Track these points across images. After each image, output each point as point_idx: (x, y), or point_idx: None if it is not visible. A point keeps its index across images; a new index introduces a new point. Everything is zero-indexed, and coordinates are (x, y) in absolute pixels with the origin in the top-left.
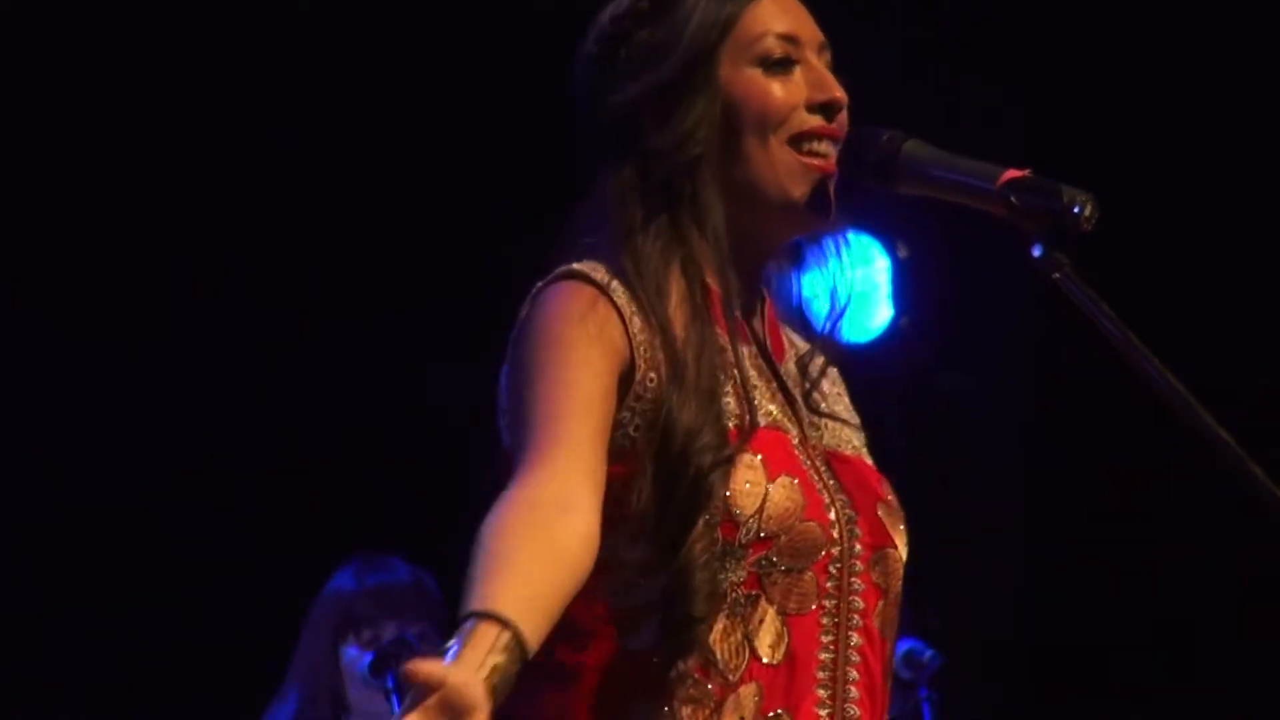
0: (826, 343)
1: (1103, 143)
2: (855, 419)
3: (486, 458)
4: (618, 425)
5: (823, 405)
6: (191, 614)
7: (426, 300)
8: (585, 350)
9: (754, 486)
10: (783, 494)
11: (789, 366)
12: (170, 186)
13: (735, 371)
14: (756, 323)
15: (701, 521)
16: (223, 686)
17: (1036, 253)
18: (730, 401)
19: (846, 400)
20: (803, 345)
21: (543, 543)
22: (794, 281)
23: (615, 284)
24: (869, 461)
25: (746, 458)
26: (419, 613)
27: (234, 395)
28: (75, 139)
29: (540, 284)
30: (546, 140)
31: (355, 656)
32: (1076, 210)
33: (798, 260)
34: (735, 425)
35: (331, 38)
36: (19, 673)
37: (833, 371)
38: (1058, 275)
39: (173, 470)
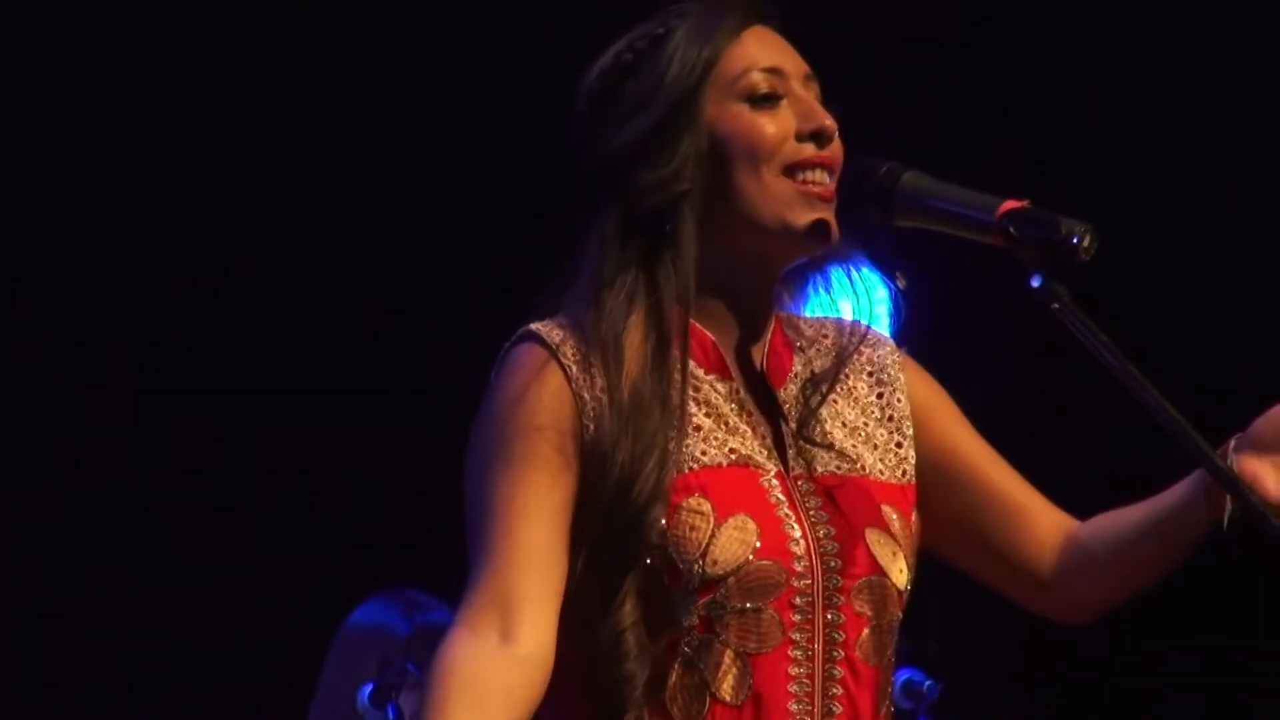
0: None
1: (1104, 149)
2: (887, 431)
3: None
4: (580, 479)
5: (816, 432)
6: (192, 615)
7: (427, 300)
8: (526, 442)
9: (697, 531)
10: (730, 535)
11: (790, 391)
12: (170, 185)
13: (686, 411)
14: (754, 351)
15: (629, 578)
16: (223, 687)
17: (1035, 283)
18: (673, 445)
19: (885, 407)
20: (819, 363)
21: (484, 686)
22: (803, 306)
23: (568, 344)
24: (884, 480)
25: (693, 501)
26: None
27: (236, 395)
28: (75, 139)
29: (506, 344)
30: (546, 142)
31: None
32: (1075, 241)
33: (805, 288)
34: (675, 469)
35: (332, 38)
36: (19, 673)
37: (887, 375)
38: (1057, 306)
39: (173, 471)
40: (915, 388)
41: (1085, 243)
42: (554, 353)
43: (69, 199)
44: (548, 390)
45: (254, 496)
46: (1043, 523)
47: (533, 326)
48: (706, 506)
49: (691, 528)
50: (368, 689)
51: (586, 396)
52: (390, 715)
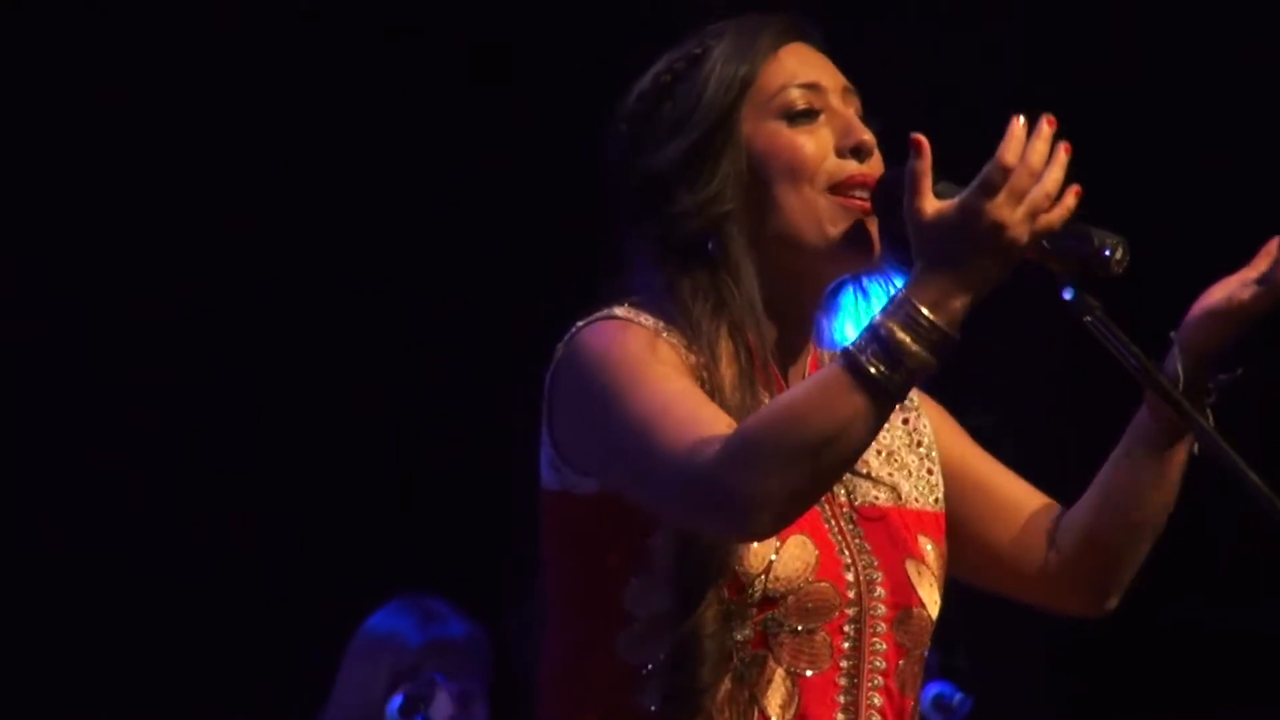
0: None
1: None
2: (917, 458)
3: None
4: None
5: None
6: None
7: (426, 302)
8: (667, 367)
9: (763, 546)
10: (793, 554)
11: None
12: (180, 196)
13: None
14: (795, 374)
15: (713, 592)
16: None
17: (1067, 295)
18: None
19: (912, 433)
20: None
21: None
22: (838, 325)
23: (665, 333)
24: (915, 507)
25: None
26: (474, 670)
27: (245, 401)
28: (76, 142)
29: (580, 324)
30: (570, 160)
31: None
32: (1107, 254)
33: (840, 304)
34: None
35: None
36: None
37: (910, 401)
38: (1089, 318)
39: (174, 475)
40: (928, 409)
41: (1118, 255)
42: (656, 334)
43: (80, 202)
44: (671, 354)
45: (256, 503)
46: (1043, 519)
47: (618, 311)
48: None
49: (758, 541)
50: (397, 700)
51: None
52: None
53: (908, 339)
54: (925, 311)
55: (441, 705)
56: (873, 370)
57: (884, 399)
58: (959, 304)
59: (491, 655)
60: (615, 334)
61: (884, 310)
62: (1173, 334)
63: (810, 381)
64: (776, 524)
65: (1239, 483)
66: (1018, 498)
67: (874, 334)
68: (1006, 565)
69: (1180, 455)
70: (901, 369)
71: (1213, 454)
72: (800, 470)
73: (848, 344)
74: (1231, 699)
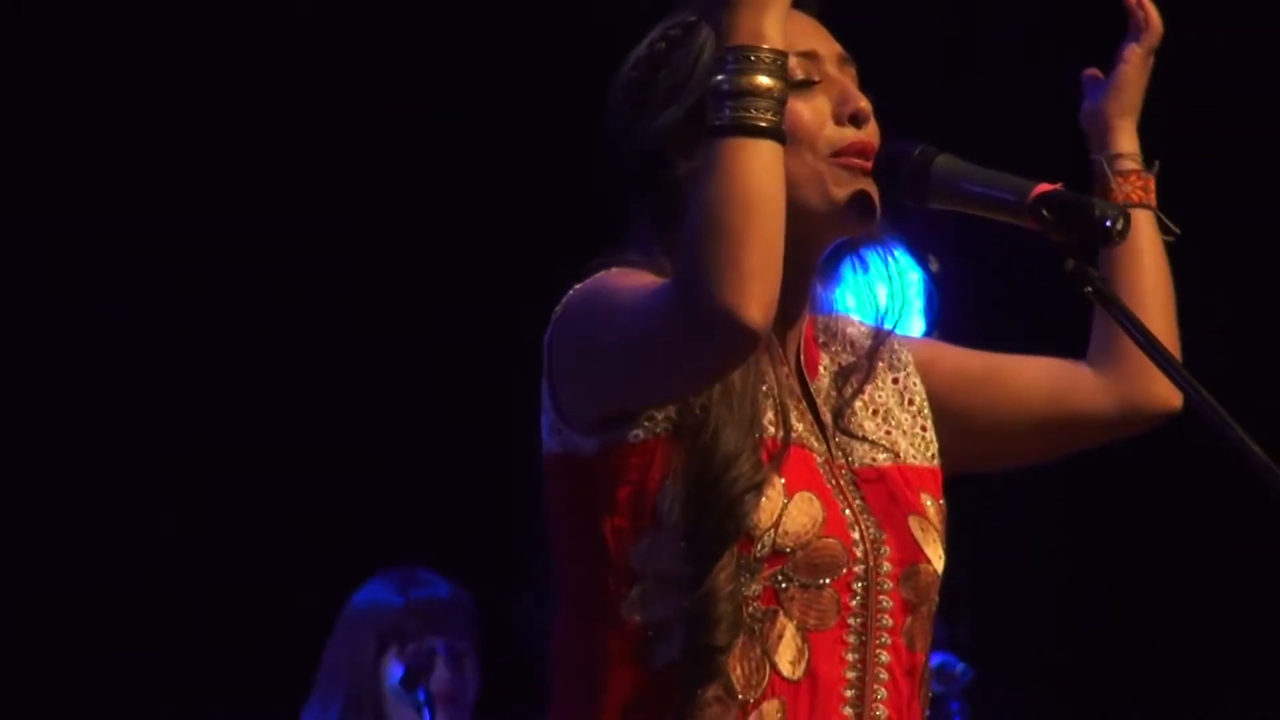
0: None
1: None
2: (910, 416)
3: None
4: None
5: (853, 423)
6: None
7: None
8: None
9: (770, 502)
10: (800, 508)
11: (821, 384)
12: (197, 209)
13: (775, 392)
14: (792, 340)
15: (728, 555)
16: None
17: (1068, 266)
18: (768, 422)
19: (903, 391)
20: (845, 359)
21: None
22: (833, 295)
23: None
24: (914, 464)
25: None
26: (461, 630)
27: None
28: (77, 150)
29: (576, 286)
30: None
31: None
32: (1108, 224)
33: (838, 273)
34: (770, 446)
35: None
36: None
37: (898, 360)
38: (1089, 289)
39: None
40: (914, 355)
41: (1118, 226)
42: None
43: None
44: None
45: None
46: (1068, 364)
47: (612, 270)
48: (777, 480)
49: (765, 497)
50: (398, 673)
51: None
52: (420, 698)
53: (759, 78)
54: (754, 46)
55: (439, 672)
56: (753, 122)
57: (773, 138)
58: (770, 22)
59: (477, 616)
60: (608, 276)
61: (721, 74)
62: (1093, 155)
63: (701, 170)
64: (762, 309)
65: (1237, 451)
66: (1036, 362)
67: (727, 95)
68: (1061, 417)
69: (1147, 232)
70: (768, 106)
71: (1209, 421)
72: (742, 245)
73: (711, 122)
74: (1230, 681)
